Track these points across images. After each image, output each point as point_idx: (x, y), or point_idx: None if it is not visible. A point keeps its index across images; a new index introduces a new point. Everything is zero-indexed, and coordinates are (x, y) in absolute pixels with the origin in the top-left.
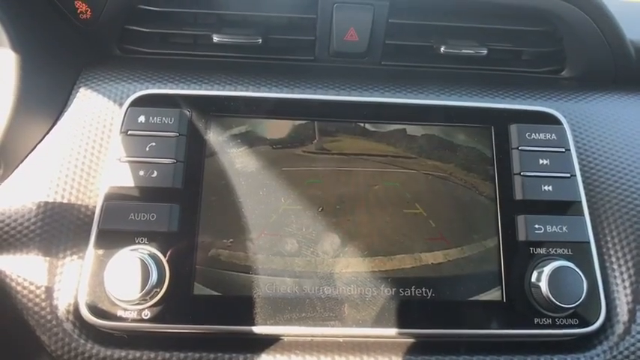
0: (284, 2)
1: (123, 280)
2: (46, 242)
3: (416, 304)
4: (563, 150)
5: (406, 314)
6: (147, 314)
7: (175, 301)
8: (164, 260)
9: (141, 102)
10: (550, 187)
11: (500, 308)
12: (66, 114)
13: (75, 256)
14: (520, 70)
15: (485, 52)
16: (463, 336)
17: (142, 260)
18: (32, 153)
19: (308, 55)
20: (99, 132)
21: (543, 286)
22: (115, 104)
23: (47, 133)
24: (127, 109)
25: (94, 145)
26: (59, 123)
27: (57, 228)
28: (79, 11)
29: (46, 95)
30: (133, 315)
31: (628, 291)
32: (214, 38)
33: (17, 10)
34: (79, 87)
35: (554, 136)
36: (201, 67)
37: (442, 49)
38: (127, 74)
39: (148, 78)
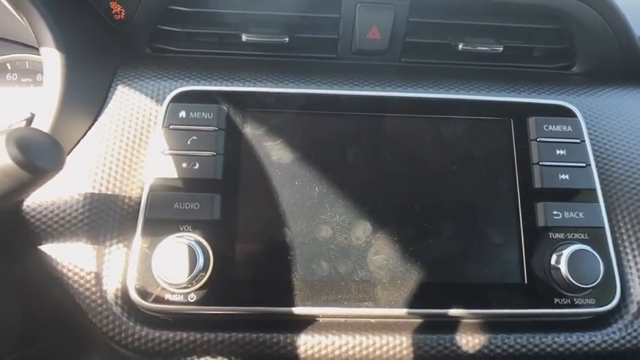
0: (309, 2)
1: (171, 266)
2: (94, 231)
3: (443, 287)
4: (579, 141)
5: (434, 296)
6: (192, 297)
7: (219, 285)
8: (208, 246)
9: (180, 98)
10: (567, 176)
11: (522, 290)
12: (106, 110)
13: (121, 244)
14: (533, 65)
15: (501, 49)
16: (488, 316)
17: (189, 247)
18: (76, 147)
19: (331, 53)
20: (138, 127)
21: (563, 268)
22: (152, 101)
23: (89, 128)
24: (169, 104)
25: (134, 139)
26: (100, 119)
27: (103, 218)
28: (113, 12)
29: (87, 92)
30: (180, 298)
31: None
32: (243, 37)
33: (59, 12)
34: (117, 84)
35: (569, 128)
36: (230, 64)
37: (460, 46)
38: (160, 72)
39: (182, 75)
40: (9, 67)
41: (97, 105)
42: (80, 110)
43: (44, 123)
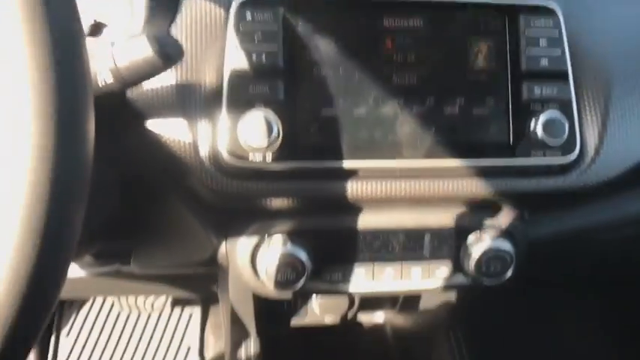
0: None
1: (253, 133)
2: (187, 109)
3: (452, 144)
4: (557, 33)
5: (445, 151)
6: (269, 156)
7: (288, 147)
8: (278, 119)
9: (244, 3)
10: (546, 61)
11: (509, 146)
12: (179, 15)
13: (208, 119)
14: None
15: None
16: (484, 166)
17: (265, 118)
18: None
19: None
20: (209, 28)
21: (539, 130)
22: (217, 6)
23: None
24: (237, 9)
25: (207, 37)
26: (176, 22)
27: (192, 99)
28: None
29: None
30: (260, 157)
31: (595, 134)
32: None
33: None
34: None
35: (551, 23)
36: None
37: None
38: None
39: None
40: None
41: (172, 11)
42: (160, 16)
43: (137, 28)
